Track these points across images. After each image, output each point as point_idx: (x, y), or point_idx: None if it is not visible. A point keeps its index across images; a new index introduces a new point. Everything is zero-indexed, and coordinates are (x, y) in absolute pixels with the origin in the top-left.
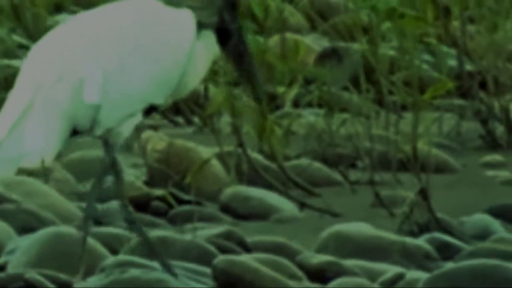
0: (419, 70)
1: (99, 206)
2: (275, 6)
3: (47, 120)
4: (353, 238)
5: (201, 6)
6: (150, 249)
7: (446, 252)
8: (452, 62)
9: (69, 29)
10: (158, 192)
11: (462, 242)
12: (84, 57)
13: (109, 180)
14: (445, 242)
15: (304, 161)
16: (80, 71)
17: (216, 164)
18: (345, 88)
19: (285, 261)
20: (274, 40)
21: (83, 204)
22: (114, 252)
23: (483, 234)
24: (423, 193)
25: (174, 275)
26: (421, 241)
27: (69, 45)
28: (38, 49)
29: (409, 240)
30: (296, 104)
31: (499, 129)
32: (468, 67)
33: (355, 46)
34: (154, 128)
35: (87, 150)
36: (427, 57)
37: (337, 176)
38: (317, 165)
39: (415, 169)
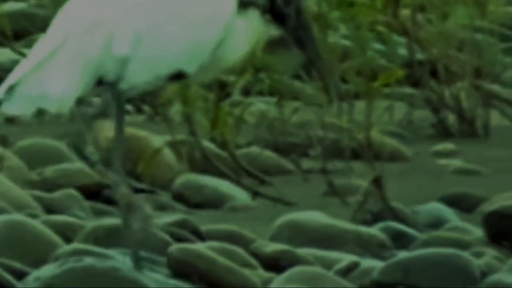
0: (370, 59)
1: (50, 195)
2: None
3: (73, 66)
4: (307, 226)
5: None
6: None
7: (400, 240)
8: (403, 51)
9: None
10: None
11: (416, 231)
12: (119, 11)
13: (61, 167)
14: (399, 231)
15: (255, 149)
16: (113, 23)
17: (168, 152)
18: (297, 77)
19: (239, 250)
20: None
21: (36, 192)
22: (68, 240)
23: (437, 223)
24: (377, 182)
25: (140, 266)
26: (375, 230)
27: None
28: (74, 2)
29: (363, 229)
30: (246, 92)
31: (450, 118)
32: (419, 55)
33: None
34: (105, 116)
35: (39, 137)
36: (377, 45)
37: (289, 165)
38: (269, 153)
39: (368, 158)
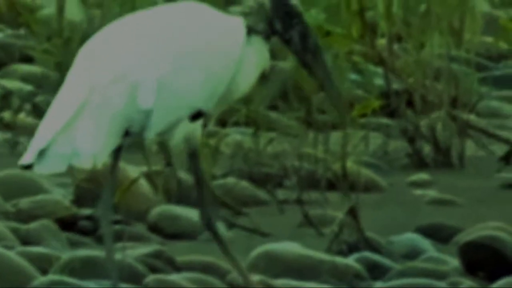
0: (347, 89)
1: (26, 226)
2: None
3: (100, 121)
4: (283, 257)
5: (250, 11)
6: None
7: (376, 271)
8: (379, 81)
9: (121, 29)
10: (86, 211)
11: (392, 262)
12: (139, 60)
13: (36, 199)
14: (375, 262)
15: (231, 180)
16: (135, 74)
17: (144, 183)
18: (272, 107)
19: (215, 281)
20: None
21: (11, 223)
22: (44, 271)
23: (412, 254)
24: (352, 212)
25: None
26: (351, 261)
27: (123, 46)
28: (91, 47)
29: (338, 259)
30: (222, 123)
31: (426, 148)
32: (395, 85)
33: (282, 64)
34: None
35: (12, 168)
36: (354, 75)
37: (265, 195)
38: (244, 184)
39: (343, 188)
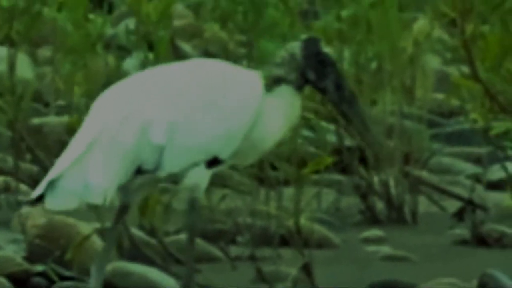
0: (299, 145)
1: None
2: None
3: (111, 157)
4: None
5: (281, 62)
6: None
7: None
8: (332, 137)
9: (139, 80)
10: (39, 268)
11: None
12: (152, 101)
13: None
14: None
15: (184, 236)
16: (148, 113)
17: (96, 239)
18: None
19: None
20: None
21: None
22: None
23: None
24: (306, 269)
25: None
26: None
27: (138, 93)
28: (107, 95)
29: None
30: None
31: (379, 204)
32: (348, 142)
33: None
34: (33, 203)
35: None
36: (306, 132)
37: (218, 252)
38: (197, 240)
39: (297, 245)
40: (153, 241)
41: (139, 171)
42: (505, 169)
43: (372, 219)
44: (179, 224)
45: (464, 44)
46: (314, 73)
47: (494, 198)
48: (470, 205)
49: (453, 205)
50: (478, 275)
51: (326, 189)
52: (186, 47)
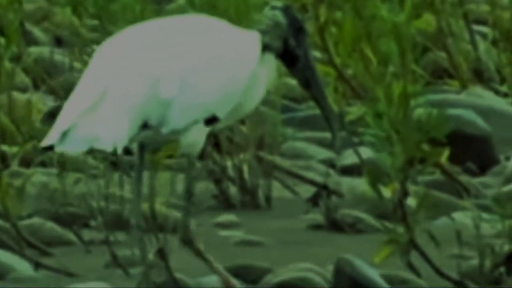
0: None
1: None
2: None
3: (122, 109)
4: None
5: (266, 29)
6: None
7: None
8: None
9: (140, 32)
10: None
11: None
12: (163, 56)
13: None
14: None
15: (37, 220)
16: (159, 68)
17: None
18: None
19: None
20: (2, 99)
21: None
22: None
23: None
24: (161, 253)
25: None
26: None
27: (146, 46)
28: (113, 42)
29: None
30: (27, 163)
31: (232, 189)
32: None
33: None
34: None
35: None
36: None
37: (71, 236)
38: (51, 224)
39: (152, 229)
40: (6, 224)
41: (145, 125)
42: (358, 154)
43: (226, 204)
44: (31, 208)
45: (318, 30)
46: (295, 40)
47: (348, 183)
48: (324, 190)
49: (307, 190)
50: (333, 260)
51: (180, 174)
52: (36, 31)
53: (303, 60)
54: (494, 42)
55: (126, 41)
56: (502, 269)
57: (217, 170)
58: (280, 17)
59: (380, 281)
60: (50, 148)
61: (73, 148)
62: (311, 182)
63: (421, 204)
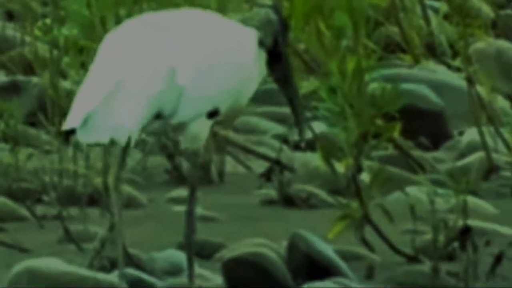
0: None
1: None
2: None
3: (139, 99)
4: (44, 274)
5: (259, 26)
6: None
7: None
8: None
9: (148, 22)
10: None
11: (155, 278)
12: (178, 49)
13: None
14: (138, 278)
15: None
16: (175, 58)
17: None
18: (31, 123)
19: None
20: None
21: None
22: None
23: (174, 270)
24: (114, 228)
25: None
26: (113, 277)
27: (159, 35)
28: (125, 31)
29: (101, 275)
30: None
31: (185, 164)
32: None
33: (38, 79)
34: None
35: None
36: None
37: (24, 211)
38: (3, 200)
39: (105, 204)
40: None
41: (158, 116)
42: (311, 129)
43: (179, 179)
44: None
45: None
46: (282, 38)
47: (301, 158)
48: (277, 165)
49: (260, 166)
50: (287, 236)
51: (132, 149)
52: None
53: (286, 60)
54: (447, 17)
55: (137, 31)
56: (455, 244)
57: (170, 144)
58: (272, 14)
59: (334, 257)
60: (72, 132)
61: (94, 137)
62: (264, 157)
63: (375, 179)
